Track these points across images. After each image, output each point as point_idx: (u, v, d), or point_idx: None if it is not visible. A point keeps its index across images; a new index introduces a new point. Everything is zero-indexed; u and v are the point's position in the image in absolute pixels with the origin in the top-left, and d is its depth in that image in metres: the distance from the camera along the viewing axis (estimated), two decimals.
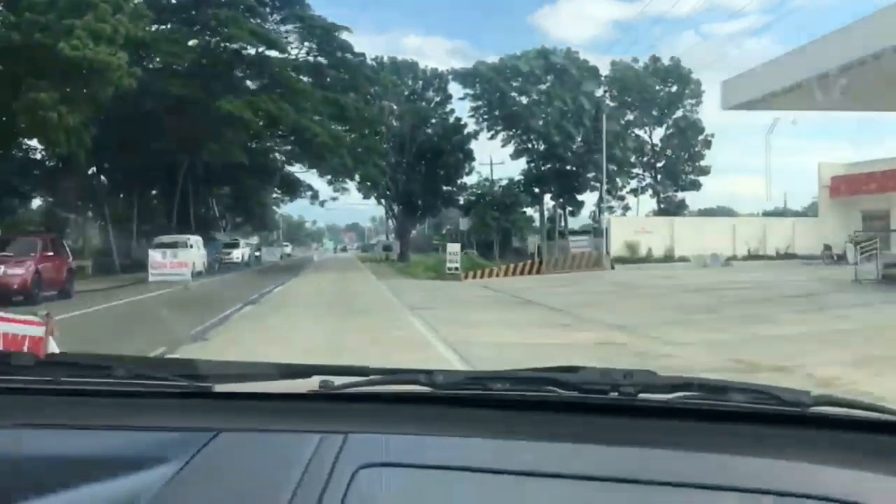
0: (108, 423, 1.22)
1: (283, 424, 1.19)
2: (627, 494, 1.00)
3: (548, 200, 57.22)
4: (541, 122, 55.44)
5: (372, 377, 1.30)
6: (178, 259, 25.81)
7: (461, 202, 53.44)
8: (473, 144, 55.23)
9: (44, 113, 22.81)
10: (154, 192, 56.97)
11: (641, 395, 1.21)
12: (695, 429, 1.18)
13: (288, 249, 71.65)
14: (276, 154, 45.75)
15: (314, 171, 47.32)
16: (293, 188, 54.87)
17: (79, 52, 22.31)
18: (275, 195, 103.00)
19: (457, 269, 25.88)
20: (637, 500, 0.99)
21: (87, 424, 1.22)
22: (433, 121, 54.54)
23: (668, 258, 35.06)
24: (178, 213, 53.63)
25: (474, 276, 26.43)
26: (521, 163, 56.89)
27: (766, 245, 38.02)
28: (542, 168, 56.06)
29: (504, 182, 53.16)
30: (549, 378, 1.27)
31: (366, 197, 62.49)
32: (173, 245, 27.18)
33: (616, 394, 1.21)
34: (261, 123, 29.74)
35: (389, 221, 60.80)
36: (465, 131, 54.81)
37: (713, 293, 17.13)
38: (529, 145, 57.37)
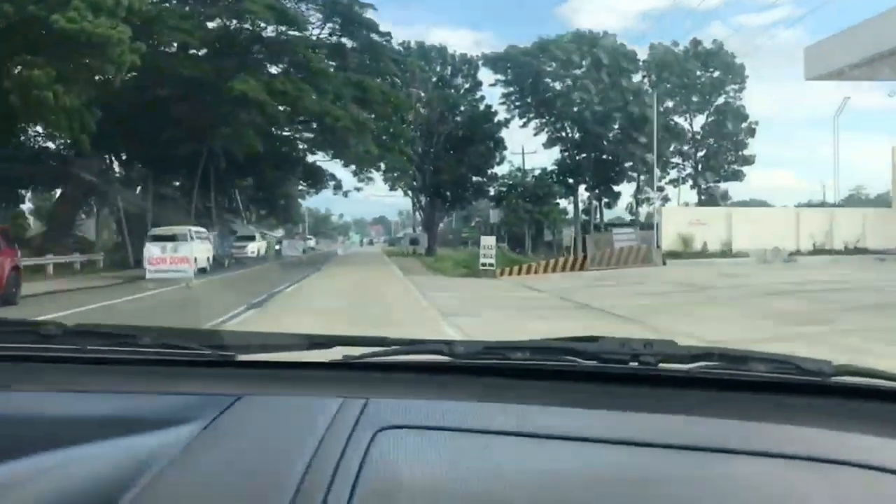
0: (132, 389, 1.24)
1: (305, 391, 1.21)
2: (646, 458, 0.99)
3: (582, 192, 54.57)
4: (575, 109, 52.58)
5: (393, 347, 1.33)
6: (179, 254, 23.17)
7: (491, 193, 50.82)
8: (504, 133, 52.65)
9: (38, 92, 20.70)
10: (175, 183, 55.37)
11: (662, 365, 1.22)
12: (715, 398, 1.18)
13: (311, 243, 69.25)
14: (298, 142, 43.48)
15: (338, 161, 45.15)
16: (317, 179, 52.70)
17: (76, 25, 20.15)
18: (300, 187, 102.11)
19: (492, 265, 23.30)
20: (656, 463, 0.98)
21: (111, 390, 1.25)
22: (462, 108, 51.91)
23: (725, 252, 32.14)
24: (198, 204, 51.99)
25: (510, 273, 23.86)
26: (555, 152, 54.15)
27: (833, 238, 34.78)
28: (577, 157, 53.24)
29: (536, 172, 50.39)
30: (569, 348, 1.28)
31: (392, 188, 60.17)
32: (172, 238, 24.23)
33: (636, 363, 1.22)
34: (279, 107, 27.24)
35: (416, 214, 58.30)
36: (496, 119, 52.19)
37: (804, 296, 14.39)
38: (563, 133, 54.57)
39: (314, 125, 32.27)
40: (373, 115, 30.39)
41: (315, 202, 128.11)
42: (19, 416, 1.15)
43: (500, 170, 51.92)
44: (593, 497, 0.93)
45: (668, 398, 1.17)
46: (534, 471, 0.97)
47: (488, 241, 23.99)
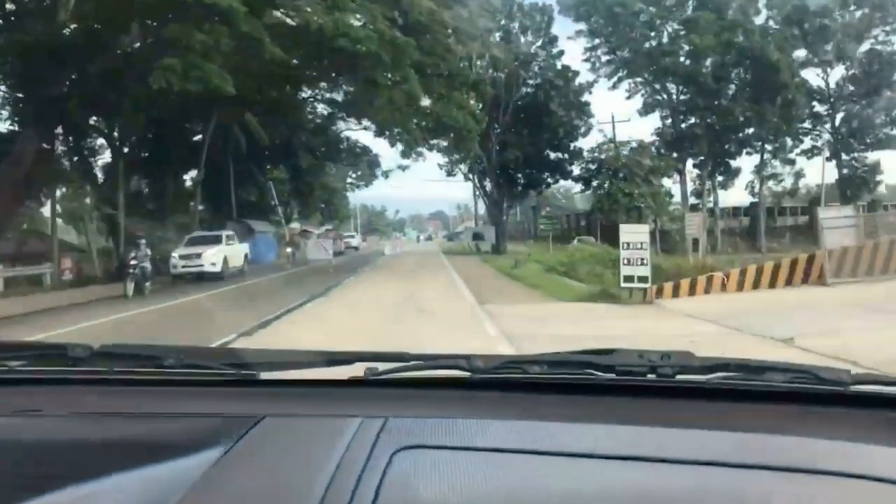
0: (158, 411, 1.27)
1: (326, 409, 1.23)
2: (665, 473, 0.99)
3: (689, 168, 43.32)
4: (679, 65, 41.54)
5: (413, 362, 1.32)
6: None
7: (575, 173, 40.11)
8: (587, 98, 41.79)
9: None
10: (188, 174, 46.71)
11: (679, 377, 1.22)
12: (734, 409, 1.18)
13: (356, 241, 59.19)
14: (316, 102, 33.84)
15: (371, 128, 35.29)
16: (355, 155, 43.04)
17: None
18: (350, 180, 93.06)
19: (644, 280, 12.37)
20: (675, 478, 0.98)
21: (138, 412, 1.27)
22: (535, 68, 41.25)
23: None
24: (215, 199, 42.87)
25: (676, 295, 12.84)
26: (653, 120, 43.13)
27: None
28: (682, 126, 42.08)
29: (632, 144, 39.35)
30: (586, 361, 1.28)
31: (449, 173, 50.00)
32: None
33: (653, 375, 1.22)
34: (259, 24, 16.68)
35: (478, 203, 47.93)
36: (577, 81, 41.41)
37: None
38: (663, 96, 43.41)
39: (326, 62, 21.64)
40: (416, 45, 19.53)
41: (369, 197, 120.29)
42: (50, 441, 1.18)
43: (586, 143, 41.20)
44: None
45: (687, 410, 1.18)
46: (555, 489, 0.97)
47: (636, 231, 12.80)
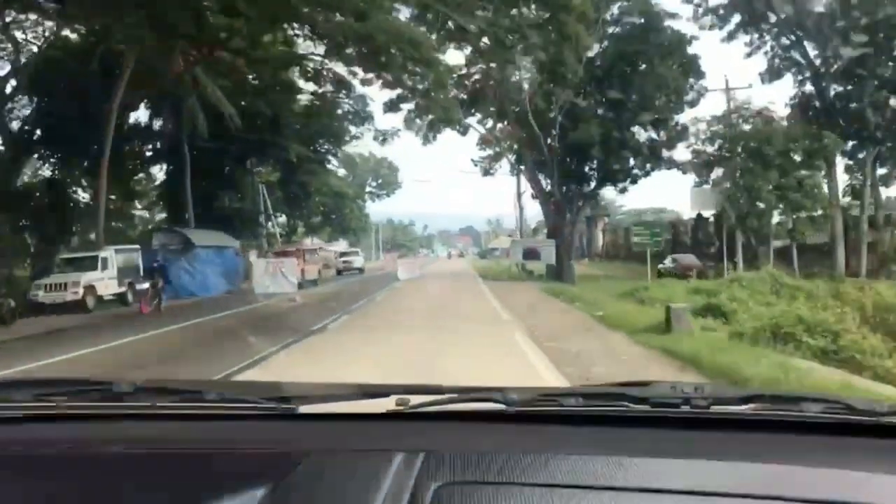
0: (204, 446, 1.29)
1: (367, 443, 1.23)
2: None
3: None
4: (822, 10, 28.72)
5: (448, 395, 1.34)
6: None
7: (685, 158, 27.20)
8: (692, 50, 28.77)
9: None
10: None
11: (713, 408, 1.24)
12: (768, 440, 1.19)
13: (358, 260, 43.60)
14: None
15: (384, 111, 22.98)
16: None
17: None
18: (369, 189, 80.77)
19: None
20: None
21: (184, 447, 1.29)
22: (616, 9, 28.40)
23: None
24: (173, 201, 30.72)
25: None
26: (784, 86, 30.17)
27: None
28: (830, 95, 29.09)
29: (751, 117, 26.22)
30: (621, 393, 1.29)
31: (487, 171, 37.56)
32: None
33: (688, 407, 1.24)
34: None
35: (535, 203, 34.78)
36: (677, 29, 28.56)
37: None
38: (799, 54, 30.36)
39: None
40: None
41: (393, 209, 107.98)
42: (98, 476, 1.19)
43: (696, 114, 28.35)
44: None
45: (722, 442, 1.18)
46: None
47: None
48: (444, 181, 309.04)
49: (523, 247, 33.44)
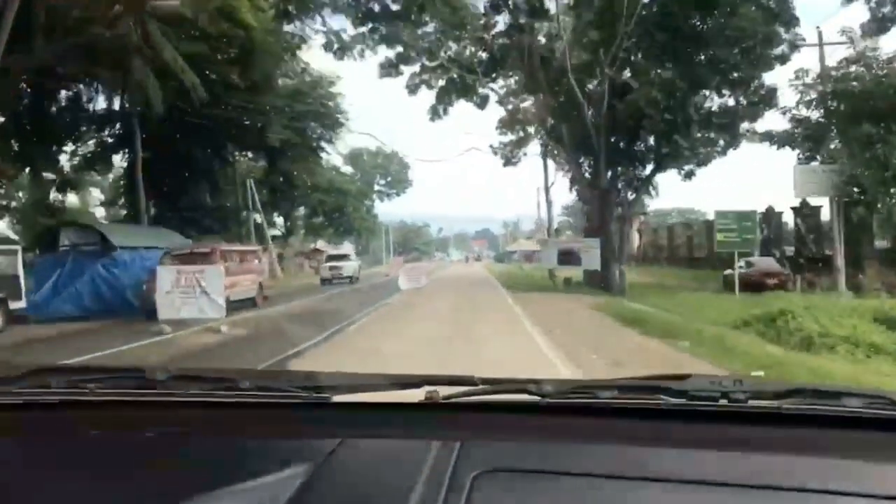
0: (238, 433, 1.29)
1: (401, 432, 1.23)
2: (741, 499, 0.98)
3: None
4: None
5: (481, 387, 1.32)
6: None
7: (780, 127, 20.67)
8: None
9: None
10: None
11: (752, 402, 1.21)
12: (808, 435, 1.17)
13: (350, 266, 32.80)
14: None
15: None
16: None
17: None
18: (378, 188, 74.49)
19: None
20: None
21: (218, 434, 1.29)
22: None
23: None
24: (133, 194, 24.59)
25: None
26: (891, 39, 23.75)
27: None
28: None
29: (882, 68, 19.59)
30: (658, 386, 1.27)
31: (510, 155, 31.38)
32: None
33: (725, 401, 1.21)
34: None
35: (573, 190, 28.24)
36: None
37: None
38: None
39: None
40: None
41: (406, 210, 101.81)
42: (132, 462, 1.18)
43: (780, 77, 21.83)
44: None
45: (760, 436, 1.16)
46: None
47: None
48: (455, 166, 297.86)
49: (558, 248, 26.95)
